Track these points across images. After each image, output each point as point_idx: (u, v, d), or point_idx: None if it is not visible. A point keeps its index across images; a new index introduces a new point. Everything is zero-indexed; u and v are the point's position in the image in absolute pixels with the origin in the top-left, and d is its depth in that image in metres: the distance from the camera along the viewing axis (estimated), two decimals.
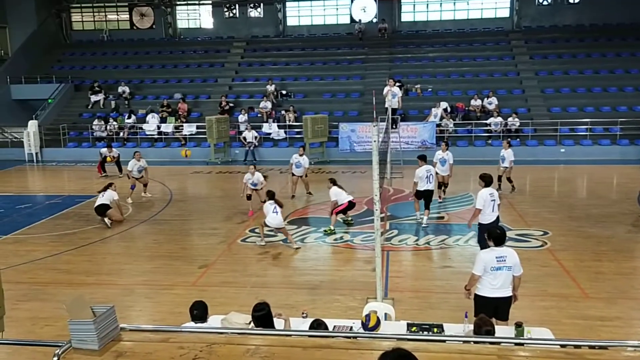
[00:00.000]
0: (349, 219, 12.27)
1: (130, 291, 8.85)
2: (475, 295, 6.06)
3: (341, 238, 11.36)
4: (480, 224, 8.88)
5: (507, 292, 5.94)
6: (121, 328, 3.10)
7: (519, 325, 5.05)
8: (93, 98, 26.51)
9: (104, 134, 24.31)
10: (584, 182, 17.69)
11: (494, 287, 5.89)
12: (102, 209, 12.66)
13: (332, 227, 11.68)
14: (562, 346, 3.24)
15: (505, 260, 5.87)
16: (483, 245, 7.79)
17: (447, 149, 14.17)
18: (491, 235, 6.08)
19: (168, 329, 3.27)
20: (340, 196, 11.85)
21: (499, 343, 3.51)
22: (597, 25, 27.99)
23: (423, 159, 12.03)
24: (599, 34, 27.42)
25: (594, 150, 20.97)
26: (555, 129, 21.70)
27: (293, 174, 15.27)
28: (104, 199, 12.73)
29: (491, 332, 4.70)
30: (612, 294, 8.21)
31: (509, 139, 16.63)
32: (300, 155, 15.24)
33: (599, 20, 28.04)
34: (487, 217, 8.75)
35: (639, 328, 7.25)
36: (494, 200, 8.75)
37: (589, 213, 12.87)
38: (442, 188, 14.37)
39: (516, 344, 3.52)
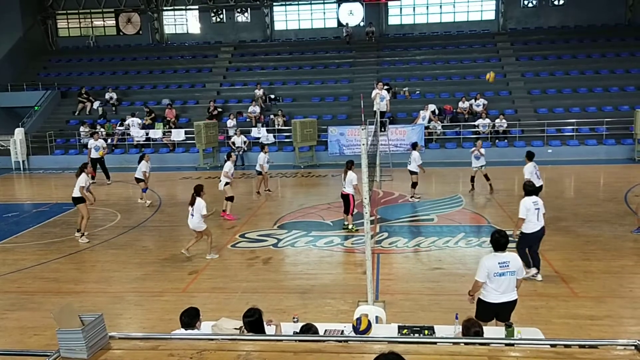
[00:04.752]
0: (351, 226, 12.03)
1: (119, 299, 8.77)
2: (480, 300, 6.05)
3: (331, 241, 11.36)
4: (525, 234, 8.62)
5: (511, 297, 5.93)
6: (110, 336, 3.08)
7: (509, 326, 5.06)
8: (80, 105, 26.34)
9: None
10: (572, 182, 17.84)
11: (498, 292, 5.89)
12: (75, 202, 12.08)
13: (350, 226, 11.83)
14: (552, 346, 3.26)
15: (508, 266, 5.84)
16: (521, 254, 7.85)
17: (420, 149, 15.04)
18: (490, 240, 6.04)
19: (158, 337, 3.26)
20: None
21: (489, 344, 3.53)
22: (581, 27, 28.34)
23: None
24: (584, 35, 27.75)
25: (580, 150, 21.19)
26: (542, 130, 21.91)
27: (260, 173, 15.96)
28: (76, 189, 12.02)
29: (480, 333, 4.71)
30: (601, 292, 8.28)
31: (481, 140, 16.78)
32: (266, 153, 16.27)
33: (584, 21, 28.39)
34: (532, 226, 8.51)
35: (629, 326, 7.30)
36: (538, 208, 8.51)
37: (577, 213, 12.98)
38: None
39: (506, 344, 3.55)
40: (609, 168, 18.61)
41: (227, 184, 13.53)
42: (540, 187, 11.38)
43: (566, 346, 3.23)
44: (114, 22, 32.53)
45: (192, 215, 10.38)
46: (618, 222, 11.79)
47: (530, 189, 8.64)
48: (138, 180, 15.41)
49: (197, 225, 10.42)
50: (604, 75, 24.93)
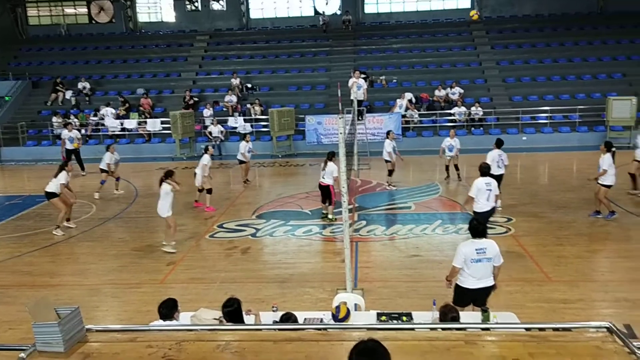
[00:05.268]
0: (331, 216, 12.04)
1: (96, 291, 8.68)
2: (457, 285, 6.14)
3: (310, 230, 11.39)
4: (474, 212, 9.04)
5: (488, 282, 6.04)
6: (87, 329, 3.05)
7: (485, 311, 5.16)
8: (53, 95, 25.79)
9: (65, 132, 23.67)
10: (546, 169, 18.15)
11: (475, 278, 5.98)
12: (48, 196, 11.82)
13: (330, 215, 11.84)
14: (527, 329, 3.33)
15: (485, 252, 5.94)
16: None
17: (394, 137, 15.16)
18: (469, 227, 6.16)
19: (135, 328, 3.23)
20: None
21: (466, 329, 3.59)
22: (555, 15, 28.69)
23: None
24: (558, 24, 28.10)
25: (554, 138, 21.56)
26: (517, 118, 22.21)
27: (243, 162, 15.87)
28: (51, 184, 11.77)
29: (457, 319, 4.79)
30: (574, 277, 8.47)
31: (455, 129, 16.92)
32: (248, 142, 16.10)
33: (557, 10, 28.76)
34: (481, 206, 8.92)
35: (601, 309, 7.48)
36: (489, 190, 8.87)
37: (551, 199, 13.23)
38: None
39: (482, 329, 3.61)
40: (582, 155, 18.96)
41: (204, 176, 13.41)
42: (500, 175, 11.53)
43: (540, 329, 3.29)
44: (86, 10, 31.84)
45: (160, 199, 10.24)
46: (590, 208, 12.05)
47: (485, 170, 9.02)
48: (102, 171, 15.24)
49: (162, 211, 10.25)
50: (577, 63, 25.33)
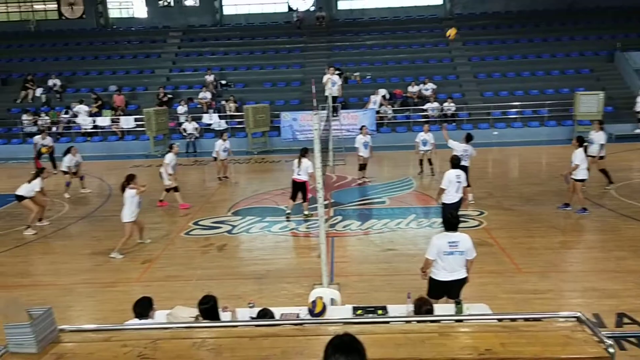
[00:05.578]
0: (306, 212, 12.04)
1: (69, 291, 8.55)
2: (430, 278, 6.23)
3: (286, 226, 11.40)
4: (443, 204, 9.35)
5: (460, 275, 6.14)
6: (60, 329, 3.03)
7: (458, 303, 5.26)
8: (23, 93, 25.20)
9: (35, 129, 23.17)
10: (516, 162, 18.49)
11: (447, 271, 6.08)
12: (19, 199, 11.63)
13: (306, 212, 11.84)
14: (499, 320, 3.42)
15: (457, 245, 6.03)
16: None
17: (367, 133, 15.27)
18: (442, 221, 6.28)
19: (110, 328, 3.22)
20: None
21: (439, 321, 3.66)
22: (524, 12, 29.18)
23: None
24: (526, 20, 28.56)
25: (524, 132, 21.98)
26: (488, 113, 22.54)
27: (216, 158, 15.81)
28: (23, 188, 11.60)
29: (431, 311, 4.87)
30: (544, 268, 8.67)
31: (429, 124, 17.09)
32: (225, 140, 15.94)
33: (526, 6, 29.25)
34: (451, 197, 9.27)
35: (570, 299, 7.68)
36: (459, 182, 9.24)
37: (521, 192, 13.49)
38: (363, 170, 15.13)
39: (456, 320, 3.69)
40: (551, 149, 19.37)
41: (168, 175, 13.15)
42: (465, 168, 11.74)
43: (512, 320, 3.38)
44: (56, 5, 31.16)
45: (123, 204, 10.03)
46: (560, 201, 12.32)
47: (456, 162, 9.43)
48: (65, 172, 14.99)
49: (123, 216, 10.00)
50: (546, 59, 25.78)
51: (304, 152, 11.73)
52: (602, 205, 11.90)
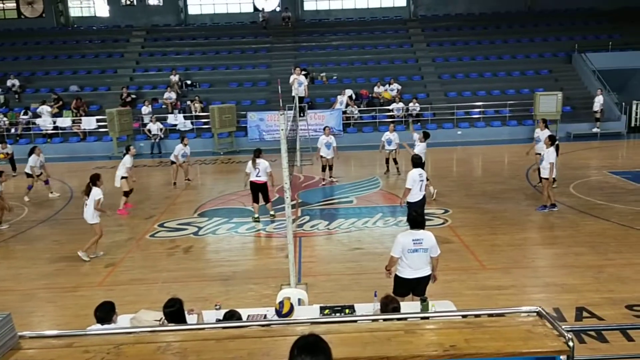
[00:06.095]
0: (272, 212, 11.96)
1: (29, 296, 8.31)
2: (396, 275, 6.30)
3: (253, 227, 11.35)
4: (409, 203, 9.51)
5: (424, 272, 6.21)
6: (20, 336, 2.95)
7: (423, 300, 5.33)
8: None
9: None
10: (479, 161, 18.86)
11: (412, 268, 6.15)
12: None
13: (272, 212, 11.76)
14: (464, 316, 3.48)
15: (421, 243, 6.11)
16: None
17: (330, 134, 15.27)
18: (407, 219, 6.36)
19: (72, 334, 3.15)
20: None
21: (405, 318, 3.71)
22: (486, 14, 29.83)
23: None
24: (488, 22, 29.21)
25: (486, 132, 22.46)
26: (452, 113, 22.93)
27: (174, 162, 15.48)
28: None
29: (397, 309, 4.92)
30: (507, 264, 8.88)
31: (394, 124, 17.33)
32: (186, 145, 15.63)
33: (488, 8, 29.91)
34: (415, 196, 9.47)
35: (532, 294, 7.87)
36: (422, 180, 9.49)
37: (485, 190, 13.77)
38: (328, 171, 15.16)
39: (422, 318, 3.74)
40: (512, 148, 19.83)
41: (123, 177, 12.88)
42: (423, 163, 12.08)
43: (476, 316, 3.45)
44: (15, 4, 30.23)
45: (87, 204, 9.78)
46: (521, 198, 12.62)
47: (417, 162, 9.67)
48: (28, 175, 14.56)
49: (89, 217, 9.76)
50: (507, 60, 26.42)
51: (258, 153, 11.69)
52: (561, 203, 12.23)
